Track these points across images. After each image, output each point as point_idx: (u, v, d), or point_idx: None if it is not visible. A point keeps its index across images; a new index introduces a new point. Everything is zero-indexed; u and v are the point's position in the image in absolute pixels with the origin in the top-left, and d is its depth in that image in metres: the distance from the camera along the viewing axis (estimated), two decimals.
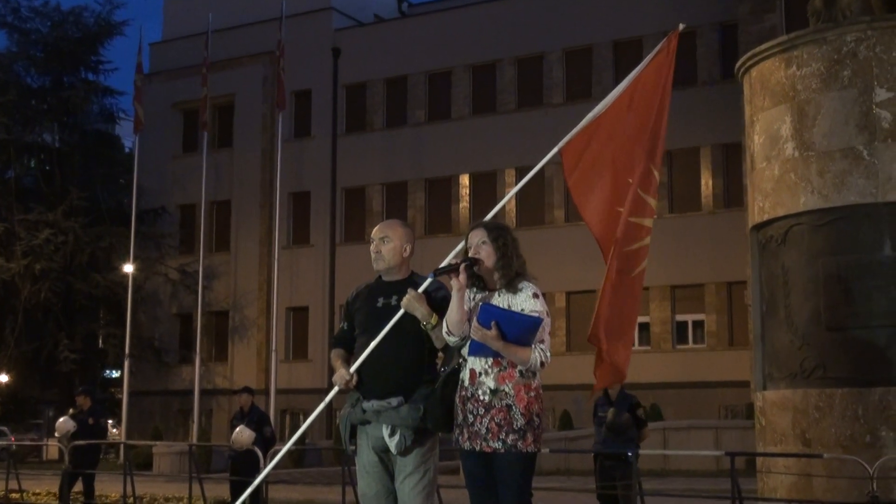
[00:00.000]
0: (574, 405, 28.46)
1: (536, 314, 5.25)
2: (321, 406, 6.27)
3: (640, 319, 29.82)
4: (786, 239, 9.49)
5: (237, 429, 13.62)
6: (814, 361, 9.11)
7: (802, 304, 9.26)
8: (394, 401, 5.52)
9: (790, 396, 9.27)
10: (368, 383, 5.61)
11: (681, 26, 6.43)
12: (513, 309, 5.28)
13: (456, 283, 5.31)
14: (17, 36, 38.38)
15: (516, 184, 29.61)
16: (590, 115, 6.21)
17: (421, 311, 5.48)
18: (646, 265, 6.16)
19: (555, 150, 6.14)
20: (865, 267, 9.00)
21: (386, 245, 5.74)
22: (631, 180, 6.06)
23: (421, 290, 5.57)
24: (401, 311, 5.53)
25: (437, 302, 5.54)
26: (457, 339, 5.36)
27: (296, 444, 6.69)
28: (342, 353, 5.83)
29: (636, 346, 30.08)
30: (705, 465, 21.74)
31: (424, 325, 5.50)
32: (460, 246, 5.70)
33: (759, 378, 9.78)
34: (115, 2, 38.80)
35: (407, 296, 5.49)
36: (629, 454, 10.61)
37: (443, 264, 5.49)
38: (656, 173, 6.15)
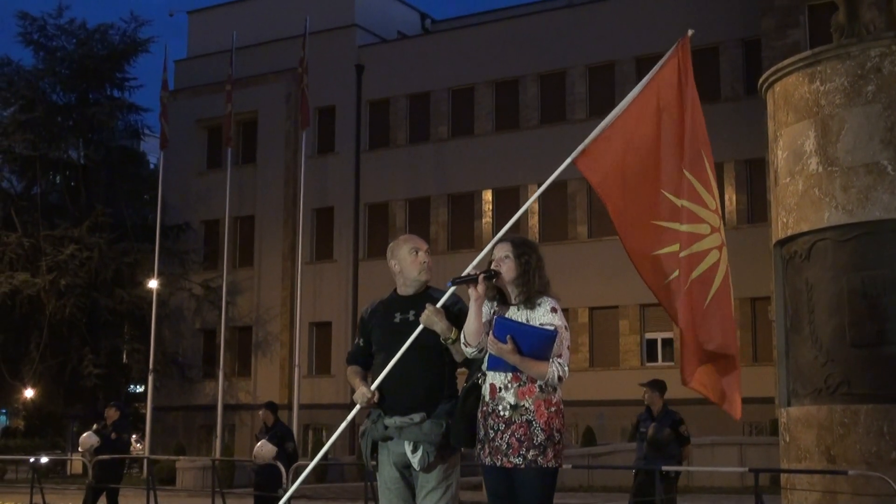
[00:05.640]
0: (597, 421, 28.34)
1: (552, 328, 5.23)
2: (344, 424, 6.24)
3: (664, 335, 29.73)
4: (810, 255, 9.43)
5: (258, 443, 13.68)
6: (839, 377, 9.04)
7: (827, 320, 9.19)
8: (416, 417, 5.50)
9: (815, 413, 9.19)
10: (390, 400, 5.59)
11: (690, 32, 6.30)
12: (531, 323, 5.26)
13: (473, 293, 5.30)
14: (43, 54, 38.60)
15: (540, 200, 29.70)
16: (599, 127, 6.03)
17: (440, 325, 5.46)
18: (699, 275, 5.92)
19: (567, 160, 6.00)
20: (890, 282, 8.92)
21: (429, 256, 5.78)
22: (665, 191, 5.93)
23: (440, 304, 5.55)
24: (420, 327, 5.50)
25: (455, 315, 5.52)
26: (474, 349, 5.35)
27: (319, 459, 6.67)
28: (358, 370, 5.81)
29: (659, 362, 29.96)
30: (729, 482, 21.61)
31: (444, 340, 5.48)
32: (480, 256, 5.69)
33: (784, 394, 9.71)
34: (140, 20, 39.00)
35: (426, 311, 5.47)
36: (663, 469, 10.53)
37: (462, 274, 5.45)
38: (690, 177, 5.93)
